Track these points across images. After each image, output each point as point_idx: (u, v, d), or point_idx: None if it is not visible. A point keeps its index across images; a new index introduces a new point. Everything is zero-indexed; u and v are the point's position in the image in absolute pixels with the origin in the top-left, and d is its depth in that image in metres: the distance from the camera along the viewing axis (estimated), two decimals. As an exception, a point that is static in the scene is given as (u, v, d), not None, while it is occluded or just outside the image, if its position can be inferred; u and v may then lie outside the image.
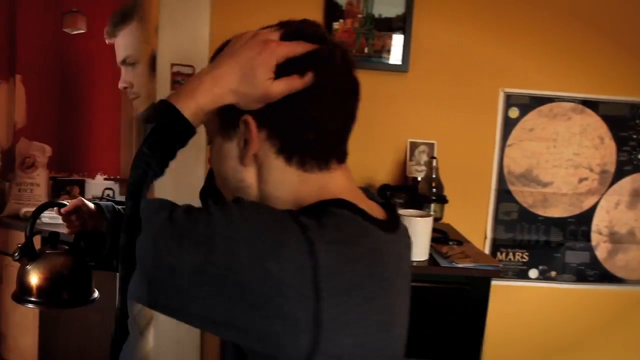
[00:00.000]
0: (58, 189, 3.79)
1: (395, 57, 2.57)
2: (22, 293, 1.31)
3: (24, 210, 3.52)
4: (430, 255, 1.97)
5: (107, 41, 1.22)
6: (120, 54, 1.17)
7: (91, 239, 1.42)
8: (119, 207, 1.47)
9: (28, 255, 1.30)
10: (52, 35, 3.89)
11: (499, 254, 2.75)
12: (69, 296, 1.35)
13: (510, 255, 2.77)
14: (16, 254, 1.29)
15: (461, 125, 2.67)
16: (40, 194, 3.71)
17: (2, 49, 3.90)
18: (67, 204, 1.34)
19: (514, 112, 2.68)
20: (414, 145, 2.64)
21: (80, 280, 1.38)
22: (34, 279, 1.31)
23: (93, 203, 1.39)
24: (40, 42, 3.97)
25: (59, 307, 1.38)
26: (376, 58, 2.57)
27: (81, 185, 3.69)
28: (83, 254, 1.42)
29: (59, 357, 2.91)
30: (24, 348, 3.19)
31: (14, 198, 3.73)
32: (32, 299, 1.31)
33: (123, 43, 1.16)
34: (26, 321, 3.20)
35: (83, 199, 1.36)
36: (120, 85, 1.17)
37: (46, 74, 4.03)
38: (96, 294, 1.39)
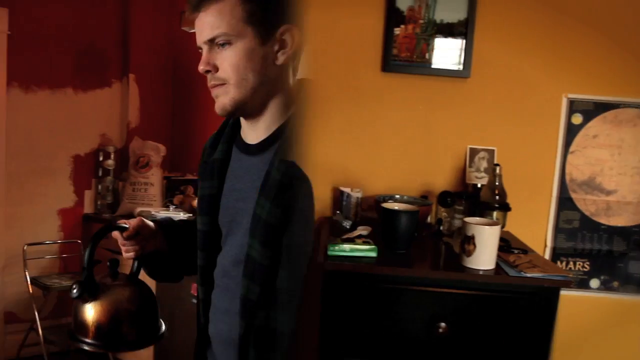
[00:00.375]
0: (172, 189, 3.87)
1: (456, 62, 2.55)
2: (82, 333, 1.18)
3: (139, 209, 3.57)
4: (497, 264, 1.94)
5: (188, 15, 1.17)
6: (206, 33, 1.10)
7: (152, 260, 1.35)
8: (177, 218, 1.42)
9: (88, 290, 1.16)
10: (165, 34, 4.01)
11: (558, 262, 2.69)
12: (137, 336, 1.21)
13: (571, 265, 2.70)
14: (75, 291, 1.16)
15: (522, 132, 2.63)
16: (155, 193, 3.78)
17: (115, 49, 4.03)
18: (127, 226, 1.25)
19: (577, 119, 2.62)
20: (473, 152, 2.61)
21: (147, 315, 1.25)
22: (99, 318, 1.16)
23: (151, 221, 1.32)
24: (153, 41, 4.06)
25: (128, 349, 1.26)
26: (436, 64, 2.55)
27: (195, 185, 3.68)
28: (149, 275, 1.35)
29: (174, 357, 2.94)
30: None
31: (127, 197, 3.81)
32: (94, 342, 1.17)
33: (213, 20, 1.09)
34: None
35: (142, 218, 1.29)
36: (202, 67, 1.11)
37: (159, 74, 4.15)
38: (163, 327, 1.29)
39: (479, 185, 2.52)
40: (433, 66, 2.54)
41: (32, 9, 3.63)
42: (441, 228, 2.37)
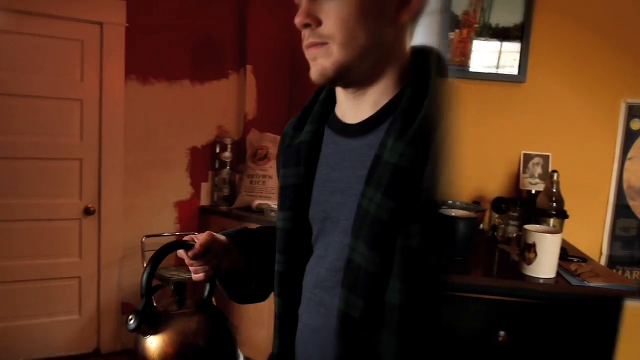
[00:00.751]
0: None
1: (511, 67, 2.51)
2: None
3: (257, 202, 3.58)
4: (558, 272, 1.90)
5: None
6: None
7: (231, 280, 1.16)
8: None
9: (148, 321, 0.97)
10: (283, 24, 3.93)
11: (614, 271, 2.63)
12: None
13: (627, 274, 2.64)
14: (132, 322, 0.96)
15: (578, 137, 2.58)
16: (273, 186, 3.73)
17: (232, 40, 4.03)
18: (195, 242, 1.06)
19: (636, 124, 2.55)
20: (528, 158, 2.56)
21: (220, 350, 1.03)
22: (161, 355, 0.97)
23: (223, 234, 1.14)
24: (271, 32, 4.02)
25: None
26: (491, 69, 2.52)
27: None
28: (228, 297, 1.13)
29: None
30: (258, 342, 3.29)
31: (245, 190, 3.79)
32: None
33: None
34: (260, 315, 3.30)
35: (212, 232, 1.10)
36: (300, 20, 0.91)
37: (276, 64, 4.09)
38: (241, 359, 1.08)
39: (533, 192, 2.48)
40: (487, 71, 2.51)
41: (149, 1, 3.69)
42: (495, 234, 2.33)
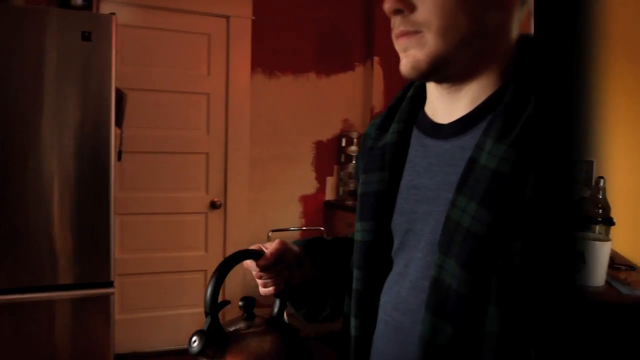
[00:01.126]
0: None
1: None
2: None
3: None
4: (606, 281, 1.84)
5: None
6: None
7: (302, 295, 1.05)
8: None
9: (214, 343, 0.85)
10: None
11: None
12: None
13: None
14: (195, 344, 0.84)
15: (623, 142, 2.39)
16: None
17: (359, 31, 4.00)
18: (265, 251, 0.95)
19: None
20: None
21: None
22: None
23: (296, 244, 1.03)
24: None
25: None
26: None
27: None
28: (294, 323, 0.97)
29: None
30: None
31: None
32: None
33: None
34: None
35: (284, 241, 0.99)
36: (390, 5, 0.79)
37: None
38: None
39: (576, 199, 2.24)
40: None
41: (274, -6, 3.69)
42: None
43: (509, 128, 0.73)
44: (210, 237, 3.61)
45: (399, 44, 0.81)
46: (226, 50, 3.58)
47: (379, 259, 0.90)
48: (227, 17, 3.55)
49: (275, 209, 3.77)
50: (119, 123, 2.60)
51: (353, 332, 0.93)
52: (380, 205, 0.90)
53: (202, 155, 3.56)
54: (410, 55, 0.79)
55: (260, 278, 0.97)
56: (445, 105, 0.85)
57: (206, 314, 0.86)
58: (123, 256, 3.30)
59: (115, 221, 2.48)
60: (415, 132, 0.90)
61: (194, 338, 0.83)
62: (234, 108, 3.60)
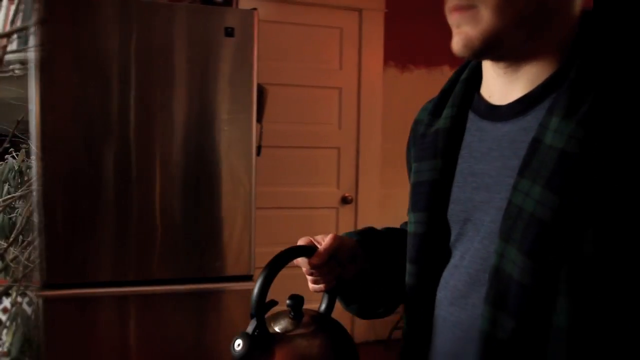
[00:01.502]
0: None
1: None
2: None
3: None
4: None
5: None
6: None
7: (354, 290, 0.98)
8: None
9: (260, 346, 0.79)
10: None
11: None
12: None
13: None
14: (239, 347, 0.77)
15: None
16: None
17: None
18: (318, 247, 0.89)
19: None
20: None
21: None
22: None
23: (348, 236, 0.98)
24: None
25: None
26: None
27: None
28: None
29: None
30: None
31: None
32: None
33: None
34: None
35: (338, 235, 0.93)
36: None
37: None
38: None
39: None
40: None
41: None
42: None
43: (577, 105, 0.67)
44: (341, 232, 3.57)
45: (451, 19, 0.76)
46: (358, 44, 3.53)
47: (434, 252, 0.85)
48: (360, 10, 3.50)
49: (406, 206, 3.68)
50: (259, 118, 2.61)
51: (406, 329, 0.90)
52: (434, 195, 0.86)
53: (334, 150, 3.53)
54: (463, 33, 0.74)
55: (311, 275, 0.92)
56: (502, 85, 0.79)
57: (251, 316, 0.80)
58: (258, 250, 3.33)
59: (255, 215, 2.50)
60: (471, 116, 0.85)
61: (238, 341, 0.78)
62: (365, 102, 3.55)
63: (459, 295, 0.79)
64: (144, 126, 2.29)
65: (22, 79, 2.42)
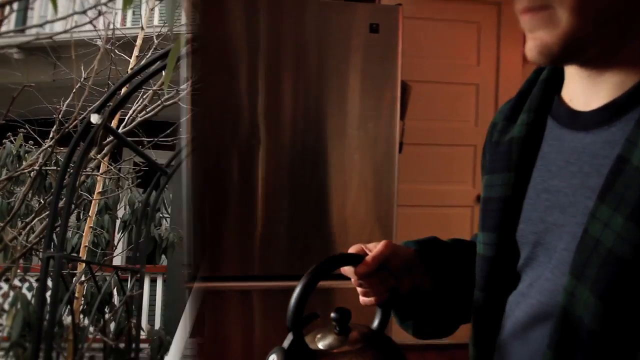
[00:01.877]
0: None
1: None
2: None
3: None
4: None
5: None
6: None
7: (411, 305, 0.89)
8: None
9: None
10: None
11: None
12: None
13: None
14: None
15: None
16: None
17: None
18: (367, 254, 0.81)
19: None
20: None
21: None
22: None
23: (407, 245, 0.89)
24: None
25: None
26: None
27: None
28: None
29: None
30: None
31: None
32: None
33: None
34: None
35: (391, 242, 0.83)
36: None
37: None
38: None
39: None
40: None
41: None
42: None
43: None
44: (475, 231, 3.50)
45: (523, 22, 0.66)
46: (496, 39, 3.43)
47: (503, 277, 0.76)
48: (499, 4, 3.40)
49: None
50: (401, 115, 2.60)
51: (475, 355, 0.80)
52: (506, 213, 0.75)
53: (470, 147, 3.45)
54: (538, 39, 0.64)
55: (360, 286, 0.83)
56: (585, 88, 0.69)
57: (288, 329, 0.71)
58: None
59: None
60: (550, 122, 0.74)
61: (272, 356, 0.69)
62: (503, 99, 3.38)
63: (520, 327, 0.71)
64: (293, 124, 2.34)
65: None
